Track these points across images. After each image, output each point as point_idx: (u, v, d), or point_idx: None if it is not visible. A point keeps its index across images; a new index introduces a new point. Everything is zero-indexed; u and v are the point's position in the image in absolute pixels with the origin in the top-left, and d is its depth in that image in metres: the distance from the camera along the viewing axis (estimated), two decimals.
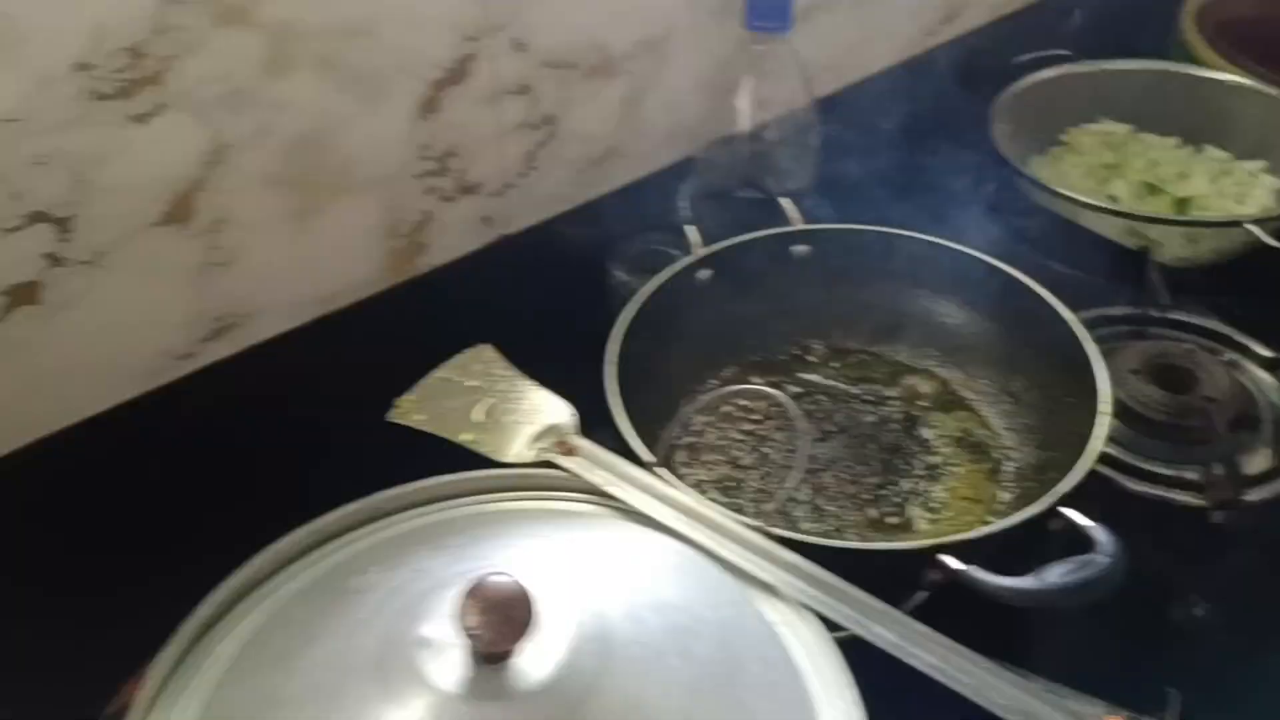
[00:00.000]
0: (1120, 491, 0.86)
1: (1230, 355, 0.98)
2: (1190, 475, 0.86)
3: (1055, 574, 0.63)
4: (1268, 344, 0.97)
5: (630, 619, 0.53)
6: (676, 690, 0.50)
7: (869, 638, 0.59)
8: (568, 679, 0.49)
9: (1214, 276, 1.11)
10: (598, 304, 0.92)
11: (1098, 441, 0.72)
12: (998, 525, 0.67)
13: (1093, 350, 0.79)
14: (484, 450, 0.69)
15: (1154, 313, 0.98)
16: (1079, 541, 0.68)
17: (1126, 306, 1.01)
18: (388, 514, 0.64)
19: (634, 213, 1.00)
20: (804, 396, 0.87)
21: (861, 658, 0.58)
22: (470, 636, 0.48)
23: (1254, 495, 0.83)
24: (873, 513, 0.78)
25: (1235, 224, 1.04)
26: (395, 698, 0.48)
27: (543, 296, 0.93)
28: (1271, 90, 1.19)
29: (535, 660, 0.49)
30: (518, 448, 0.69)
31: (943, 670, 0.58)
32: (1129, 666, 0.75)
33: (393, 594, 0.54)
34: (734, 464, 0.82)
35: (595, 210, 1.00)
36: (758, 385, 0.75)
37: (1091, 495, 0.85)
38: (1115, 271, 1.05)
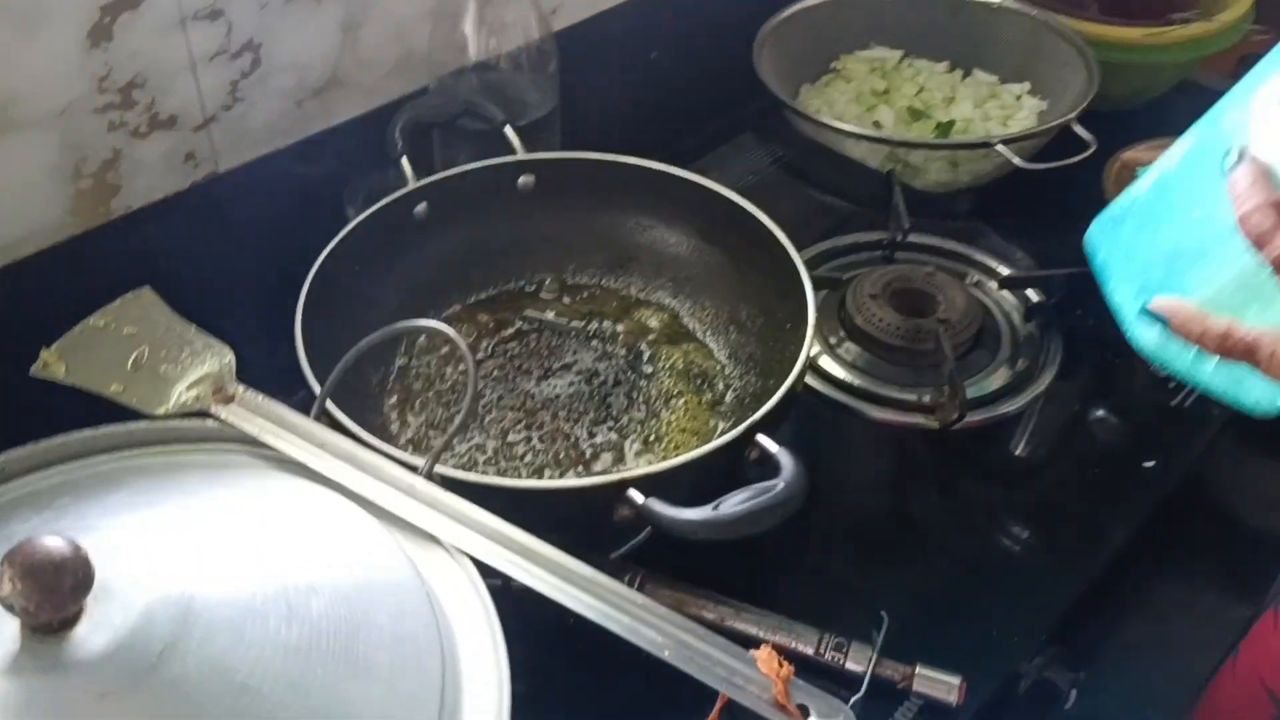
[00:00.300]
0: (864, 420, 0.85)
1: (977, 276, 0.97)
2: (920, 397, 0.85)
3: (731, 503, 0.60)
4: (1011, 264, 0.97)
5: (229, 580, 0.48)
6: (272, 652, 0.46)
7: (530, 582, 0.55)
8: (134, 647, 0.44)
9: (974, 200, 1.10)
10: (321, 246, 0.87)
11: (798, 365, 0.70)
12: (688, 455, 0.64)
13: (804, 274, 0.77)
14: (132, 402, 0.63)
15: (899, 237, 0.96)
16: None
17: (876, 232, 0.99)
18: (8, 478, 0.58)
19: (364, 148, 0.94)
20: (531, 334, 0.83)
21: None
22: (4, 605, 0.42)
23: (977, 416, 0.83)
24: (588, 450, 0.75)
25: (986, 145, 1.03)
26: None
27: (255, 240, 0.87)
28: (1033, 11, 1.19)
29: (97, 628, 0.44)
30: (170, 397, 0.63)
31: (598, 610, 0.54)
32: (848, 592, 0.74)
33: None
34: (445, 406, 0.77)
35: (319, 146, 0.94)
36: (422, 322, 0.69)
37: (834, 425, 0.84)
38: (875, 198, 1.03)
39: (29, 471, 0.59)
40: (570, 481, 0.64)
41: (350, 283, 0.78)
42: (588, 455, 0.75)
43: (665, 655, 0.53)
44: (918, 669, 0.67)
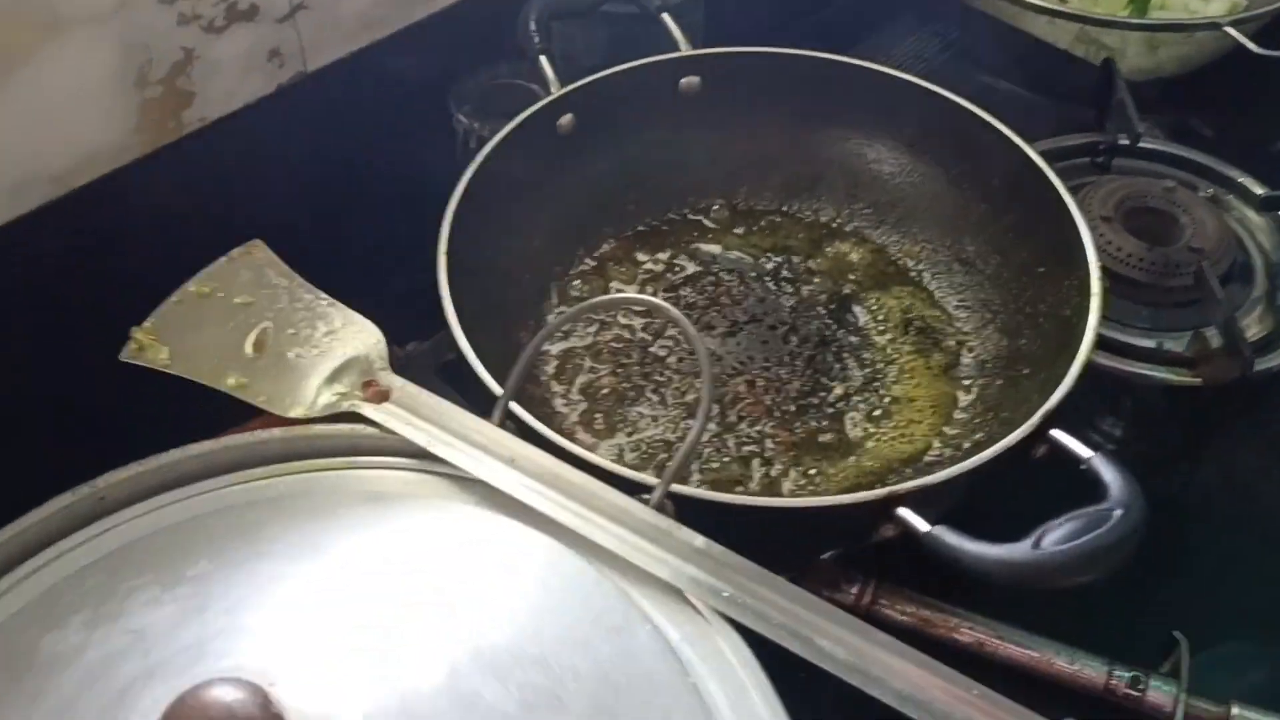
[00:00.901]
0: (1096, 373, 0.70)
1: (1212, 189, 0.81)
2: (1174, 347, 0.69)
3: (1054, 537, 0.46)
4: (1256, 176, 0.80)
5: (457, 700, 0.34)
6: None
7: (813, 658, 0.41)
8: None
9: (1179, 93, 0.93)
10: (431, 162, 0.71)
11: (1089, 331, 0.55)
12: (976, 459, 0.49)
13: (1069, 200, 0.61)
14: (258, 400, 0.49)
15: (1124, 140, 0.80)
16: (1067, 472, 0.51)
17: (1086, 134, 0.82)
18: (107, 511, 0.44)
19: (474, 39, 0.77)
20: (702, 278, 0.68)
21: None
22: None
23: (1261, 365, 0.67)
24: (799, 430, 0.61)
25: (1212, 26, 0.85)
26: None
27: (354, 154, 0.72)
28: None
29: None
30: (306, 394, 0.49)
31: (912, 699, 0.40)
32: (1122, 610, 0.60)
33: (91, 678, 0.35)
34: (613, 380, 0.63)
35: (422, 37, 0.77)
36: (633, 294, 0.56)
37: None
38: (1068, 90, 0.86)
39: (133, 501, 0.45)
40: (831, 499, 0.50)
41: (487, 221, 0.63)
42: (800, 436, 0.60)
43: None
44: (1233, 709, 0.54)
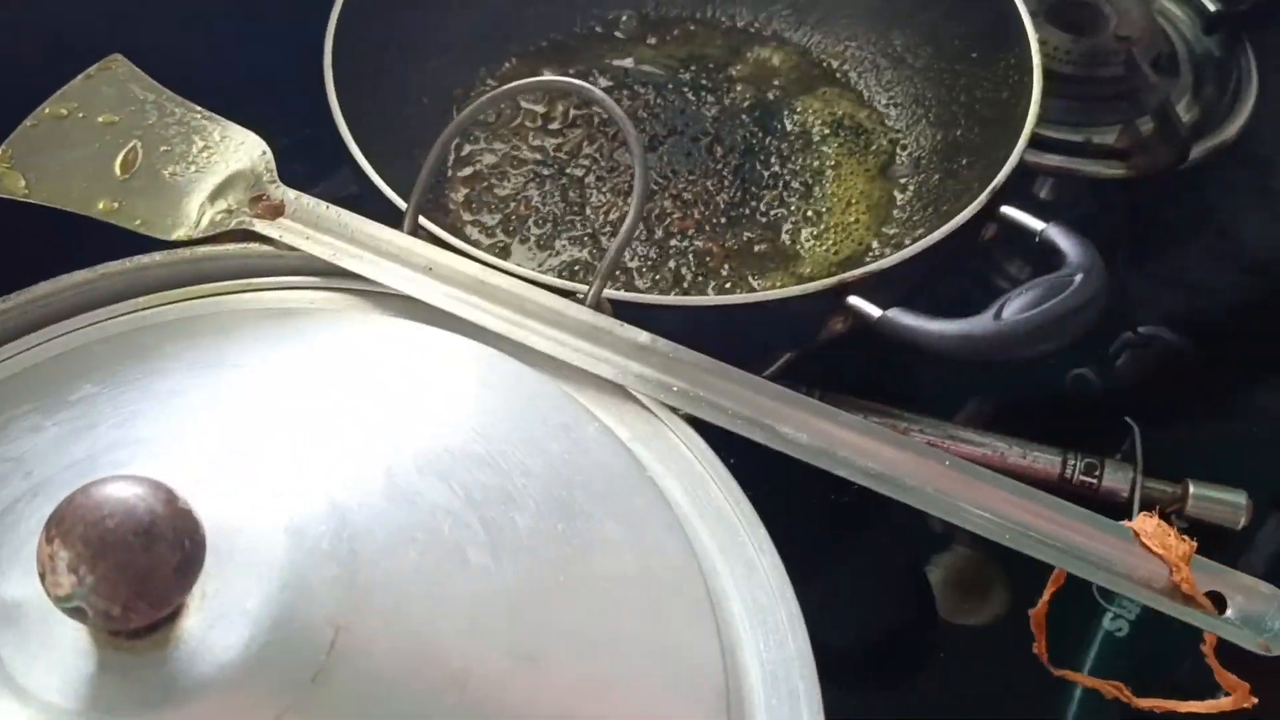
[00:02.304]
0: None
1: None
2: (1103, 141, 0.67)
3: (1013, 308, 0.43)
4: None
5: (386, 496, 0.30)
6: (486, 611, 0.29)
7: (777, 445, 0.38)
8: (285, 647, 0.26)
9: None
10: None
11: (1032, 105, 0.52)
12: (926, 241, 0.46)
13: None
14: (134, 224, 0.43)
15: None
16: (1023, 255, 0.49)
17: None
18: None
19: None
20: (617, 90, 0.63)
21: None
22: (66, 608, 0.24)
23: (1196, 150, 0.65)
24: (732, 242, 0.57)
25: None
26: None
27: None
28: None
29: (217, 625, 0.26)
30: (188, 214, 0.43)
31: (882, 477, 0.38)
32: (1077, 400, 0.59)
33: None
34: (526, 203, 0.58)
35: None
36: (553, 78, 0.51)
37: None
38: None
39: (4, 340, 0.39)
40: (778, 293, 0.46)
41: (377, 40, 0.57)
42: (733, 245, 0.57)
43: (1004, 537, 0.37)
44: (1190, 487, 0.53)
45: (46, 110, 0.46)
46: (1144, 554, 0.37)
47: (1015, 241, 0.49)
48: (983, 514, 0.37)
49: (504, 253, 0.56)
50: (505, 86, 0.44)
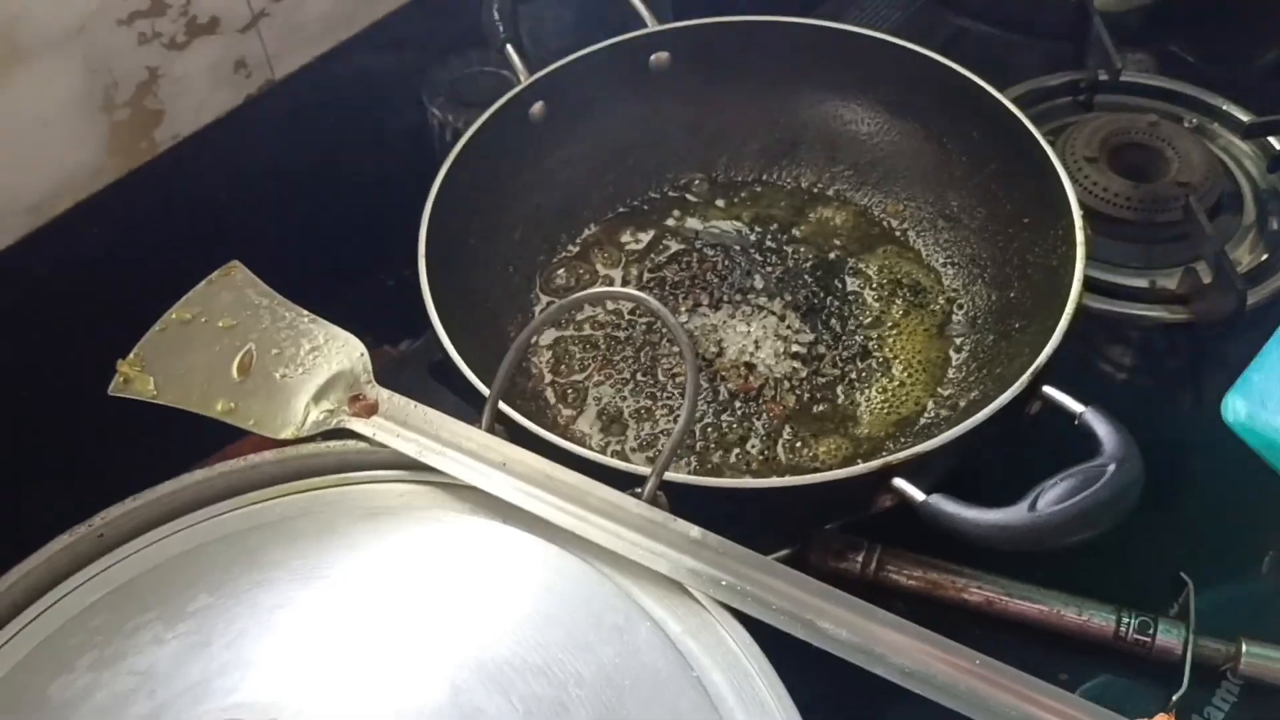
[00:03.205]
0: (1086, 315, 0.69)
1: (1196, 119, 0.80)
2: (1167, 284, 0.69)
3: (1050, 497, 0.46)
4: (1240, 102, 0.79)
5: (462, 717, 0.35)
6: None
7: (816, 641, 0.42)
8: None
9: (1159, 20, 0.91)
10: (409, 157, 0.71)
11: (1075, 283, 0.55)
12: (963, 426, 0.49)
13: (1048, 148, 0.61)
14: (248, 424, 0.49)
15: (1104, 76, 0.79)
16: (1063, 429, 0.51)
17: (1066, 73, 0.81)
18: (107, 548, 0.44)
19: (440, 29, 0.77)
20: (687, 255, 0.68)
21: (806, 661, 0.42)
22: None
23: (1255, 296, 0.67)
24: (791, 401, 0.60)
25: None
26: None
27: (330, 158, 0.71)
28: None
29: None
30: (295, 414, 0.49)
31: (915, 675, 0.41)
32: (1129, 555, 0.60)
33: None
34: (613, 386, 0.62)
35: (388, 31, 0.76)
36: (614, 288, 0.55)
37: None
38: (1045, 27, 0.85)
39: (133, 536, 0.45)
40: (820, 476, 0.50)
41: (467, 215, 0.63)
42: (792, 407, 0.60)
43: None
44: (1244, 645, 0.54)
45: (173, 315, 0.52)
46: None
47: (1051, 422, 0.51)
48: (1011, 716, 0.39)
49: (582, 417, 0.60)
50: (571, 298, 0.49)
